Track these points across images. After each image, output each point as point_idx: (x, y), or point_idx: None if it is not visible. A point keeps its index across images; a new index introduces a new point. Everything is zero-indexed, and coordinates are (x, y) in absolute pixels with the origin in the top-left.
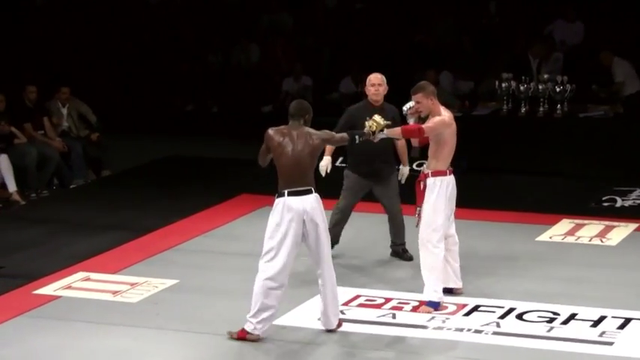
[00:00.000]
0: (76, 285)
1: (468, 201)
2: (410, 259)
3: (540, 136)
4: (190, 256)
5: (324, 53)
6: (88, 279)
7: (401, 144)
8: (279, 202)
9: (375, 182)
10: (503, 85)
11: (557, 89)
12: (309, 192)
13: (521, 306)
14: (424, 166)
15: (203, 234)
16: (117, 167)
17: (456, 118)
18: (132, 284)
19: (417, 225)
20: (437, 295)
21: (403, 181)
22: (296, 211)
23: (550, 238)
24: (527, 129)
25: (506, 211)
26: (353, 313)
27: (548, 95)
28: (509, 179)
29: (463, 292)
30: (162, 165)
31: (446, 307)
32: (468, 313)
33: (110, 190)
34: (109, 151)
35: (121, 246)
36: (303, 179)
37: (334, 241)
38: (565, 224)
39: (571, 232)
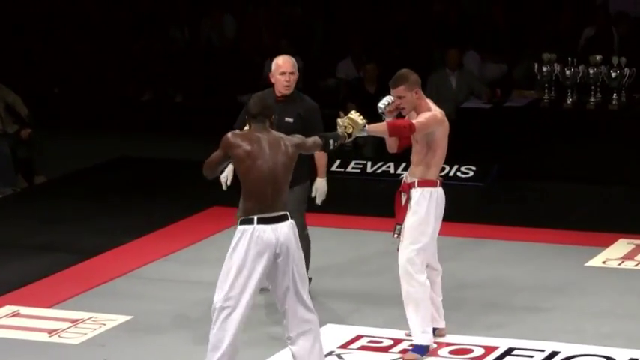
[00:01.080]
0: (2, 322)
1: (499, 216)
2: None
3: (592, 133)
4: (147, 286)
5: (315, 27)
6: (17, 314)
7: (319, 155)
8: (244, 231)
9: None
10: (545, 68)
11: (613, 74)
12: (284, 218)
13: (566, 349)
14: (405, 174)
15: (163, 257)
16: (54, 172)
17: (486, 111)
18: (73, 321)
19: (399, 248)
20: (426, 337)
21: (319, 201)
22: (267, 245)
23: (603, 262)
24: (574, 124)
25: (548, 229)
26: (354, 358)
27: (602, 82)
28: (551, 189)
29: (446, 334)
30: (112, 169)
31: (471, 351)
32: (498, 359)
33: (45, 202)
34: (43, 152)
35: (59, 272)
36: (278, 201)
37: None
38: (622, 245)
39: (630, 256)
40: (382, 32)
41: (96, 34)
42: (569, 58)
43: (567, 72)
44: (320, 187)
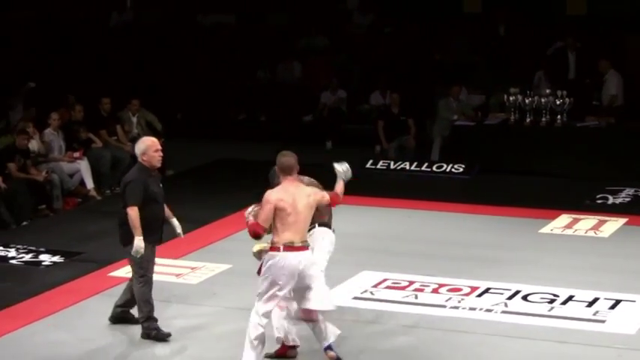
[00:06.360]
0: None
1: (480, 198)
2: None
3: (543, 142)
4: (241, 245)
5: (354, 69)
6: (155, 263)
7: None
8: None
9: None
10: (511, 98)
11: (558, 102)
12: None
13: (526, 288)
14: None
15: None
16: (179, 167)
17: (470, 127)
18: (192, 268)
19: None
20: None
21: (182, 234)
22: None
23: (551, 230)
24: (531, 136)
25: (514, 207)
26: (381, 294)
27: (550, 107)
28: (516, 180)
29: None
30: (217, 166)
31: (461, 290)
32: (480, 295)
33: (173, 187)
34: (172, 154)
35: (182, 236)
36: None
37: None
38: (564, 218)
39: (569, 226)
40: (400, 73)
41: (208, 75)
42: (527, 91)
43: (527, 100)
44: (177, 222)
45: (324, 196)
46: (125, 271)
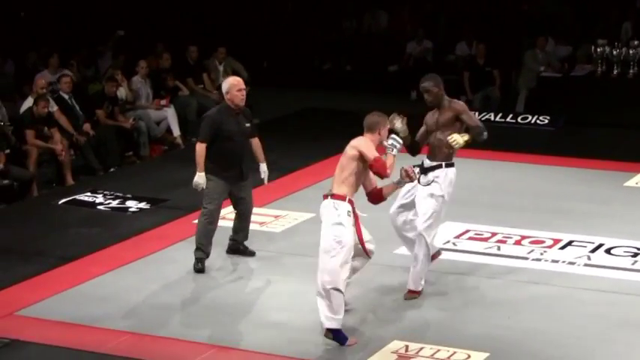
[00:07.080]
0: (229, 216)
1: (565, 150)
2: (253, 254)
3: (630, 94)
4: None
5: (440, 19)
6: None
7: (256, 141)
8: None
9: (235, 184)
10: (599, 49)
11: None
12: None
13: (609, 242)
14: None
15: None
16: (264, 116)
17: (556, 79)
18: (276, 216)
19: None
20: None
21: (267, 180)
22: None
23: (636, 183)
24: (618, 88)
25: (599, 160)
26: (464, 245)
27: (638, 59)
28: (601, 132)
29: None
30: (302, 115)
31: (544, 242)
32: (563, 247)
33: (258, 136)
34: (257, 103)
35: (267, 184)
36: None
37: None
38: None
39: None
40: (488, 23)
41: (294, 24)
42: (616, 43)
43: (614, 52)
44: (266, 169)
45: (366, 152)
46: None
